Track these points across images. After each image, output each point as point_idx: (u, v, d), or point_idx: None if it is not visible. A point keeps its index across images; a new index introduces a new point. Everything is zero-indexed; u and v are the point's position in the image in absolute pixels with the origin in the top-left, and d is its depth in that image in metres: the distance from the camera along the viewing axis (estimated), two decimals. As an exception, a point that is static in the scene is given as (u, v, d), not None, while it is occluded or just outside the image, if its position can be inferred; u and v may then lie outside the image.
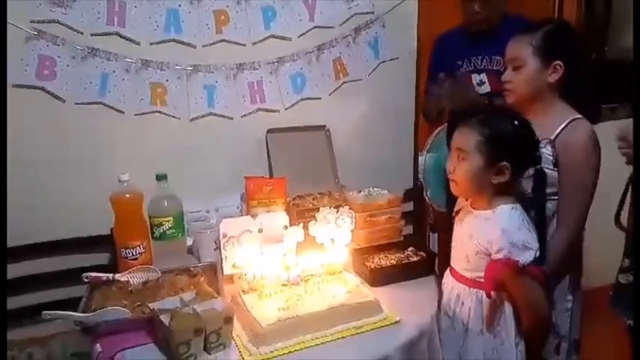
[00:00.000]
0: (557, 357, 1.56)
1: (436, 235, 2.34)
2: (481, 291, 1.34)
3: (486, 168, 1.28)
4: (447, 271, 1.47)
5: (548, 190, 1.48)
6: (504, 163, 1.28)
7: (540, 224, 1.37)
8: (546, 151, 1.46)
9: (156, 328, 1.27)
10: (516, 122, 1.30)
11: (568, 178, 1.45)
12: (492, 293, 1.30)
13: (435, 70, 2.07)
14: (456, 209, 1.48)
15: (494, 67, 1.90)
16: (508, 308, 1.33)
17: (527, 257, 1.24)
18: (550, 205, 1.50)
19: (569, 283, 1.55)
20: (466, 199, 1.43)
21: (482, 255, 1.31)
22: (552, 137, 1.46)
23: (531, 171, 1.37)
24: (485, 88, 1.94)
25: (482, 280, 1.33)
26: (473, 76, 1.95)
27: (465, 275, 1.38)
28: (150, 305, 1.31)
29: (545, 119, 1.49)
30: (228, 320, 1.25)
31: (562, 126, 1.46)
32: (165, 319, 1.22)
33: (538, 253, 1.26)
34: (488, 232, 1.30)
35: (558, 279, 1.51)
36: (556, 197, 1.49)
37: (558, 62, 1.45)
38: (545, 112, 1.50)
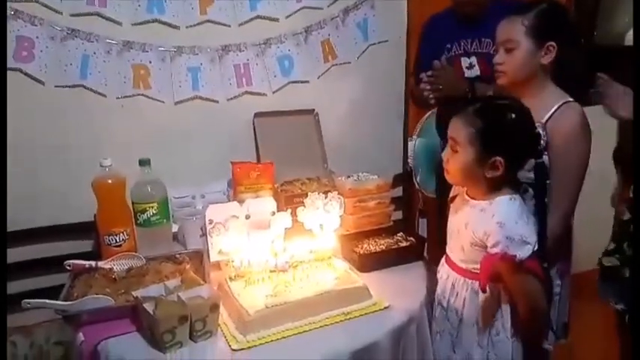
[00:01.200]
0: (546, 340, 1.56)
1: (425, 220, 2.34)
2: (476, 282, 1.30)
3: (479, 162, 1.24)
4: (443, 259, 1.45)
5: None
6: (498, 158, 1.22)
7: (540, 217, 1.34)
8: None
9: (140, 316, 1.25)
10: (514, 115, 1.25)
11: (559, 162, 1.43)
12: (487, 287, 1.26)
13: (424, 53, 2.03)
14: (451, 195, 1.45)
15: (484, 50, 1.86)
16: (504, 300, 1.31)
17: (524, 252, 1.20)
18: None
19: (557, 268, 1.54)
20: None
21: (477, 247, 1.28)
22: (543, 121, 1.44)
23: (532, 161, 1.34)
24: (475, 72, 1.91)
25: (477, 271, 1.29)
26: (462, 59, 1.92)
27: (460, 266, 1.35)
28: (134, 293, 1.28)
29: (536, 102, 1.47)
30: (215, 308, 1.23)
31: (553, 109, 1.44)
32: (149, 307, 1.20)
33: (536, 247, 1.22)
34: (484, 223, 1.26)
35: (550, 264, 1.50)
36: (547, 181, 1.48)
37: (551, 43, 1.43)
38: (537, 94, 1.48)
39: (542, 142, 1.42)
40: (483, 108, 1.27)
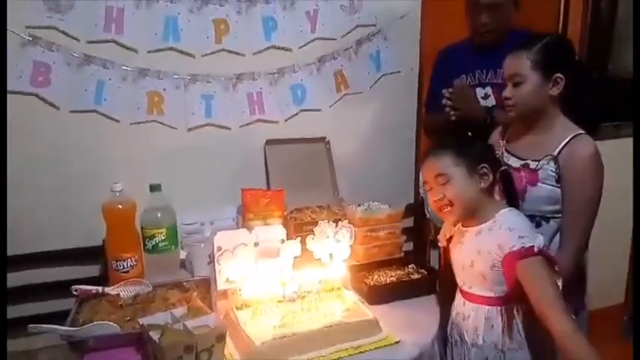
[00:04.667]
0: None
1: (437, 251, 2.29)
2: (509, 306, 1.32)
3: (470, 177, 1.32)
4: (460, 300, 1.43)
5: (552, 208, 1.46)
6: (482, 165, 1.33)
7: None
8: (549, 167, 1.44)
9: (145, 344, 1.23)
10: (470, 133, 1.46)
11: (572, 194, 1.42)
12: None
13: (437, 84, 2.04)
14: (446, 237, 1.46)
15: (499, 81, 1.86)
16: (519, 319, 1.31)
17: (539, 241, 1.25)
18: (553, 223, 1.47)
19: (570, 304, 1.50)
20: (455, 224, 1.42)
21: (498, 266, 1.28)
22: (555, 153, 1.43)
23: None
24: (490, 102, 1.90)
25: (501, 294, 1.31)
26: (477, 89, 1.91)
27: (488, 295, 1.34)
28: (139, 320, 1.26)
29: (547, 135, 1.47)
30: (221, 338, 1.20)
31: (565, 141, 1.43)
32: (154, 335, 1.18)
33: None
34: (495, 238, 1.29)
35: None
36: (559, 215, 1.46)
37: (559, 75, 1.43)
38: (548, 127, 1.48)
39: (553, 174, 1.42)
40: (444, 144, 1.38)
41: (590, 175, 1.41)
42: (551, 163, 1.43)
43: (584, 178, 1.41)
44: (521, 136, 1.55)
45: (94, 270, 1.81)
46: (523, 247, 1.23)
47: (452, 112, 1.80)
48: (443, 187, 1.32)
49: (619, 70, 2.77)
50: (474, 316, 1.36)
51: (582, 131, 1.45)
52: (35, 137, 1.74)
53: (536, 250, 1.23)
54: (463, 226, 1.39)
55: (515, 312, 1.32)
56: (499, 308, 1.32)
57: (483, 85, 1.92)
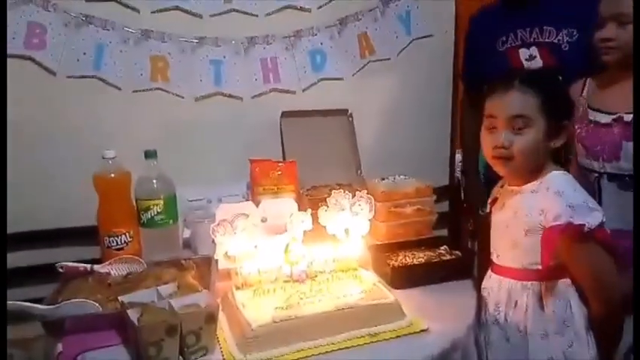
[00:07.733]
0: None
1: (476, 242, 2.05)
2: (537, 283, 1.12)
3: (548, 132, 1.12)
4: (489, 272, 1.25)
5: None
6: (566, 122, 1.14)
7: None
8: None
9: (127, 325, 1.05)
10: (560, 77, 1.22)
11: None
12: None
13: (473, 50, 1.82)
14: (490, 199, 1.28)
15: (547, 39, 1.62)
16: (575, 302, 1.11)
17: (593, 219, 1.04)
18: None
19: None
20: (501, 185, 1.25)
21: (534, 232, 1.10)
22: None
23: None
24: (537, 63, 1.65)
25: (537, 267, 1.11)
26: (521, 50, 1.67)
27: (515, 267, 1.16)
28: (120, 298, 1.10)
29: None
30: (211, 319, 1.03)
31: None
32: (133, 314, 1.01)
33: (604, 218, 1.06)
34: (539, 201, 1.11)
35: None
36: None
37: None
38: None
39: None
40: (534, 77, 1.18)
41: None
42: None
43: None
44: (610, 87, 1.36)
45: (94, 252, 1.66)
46: (571, 223, 1.04)
47: None
48: (515, 134, 1.11)
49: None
50: (496, 290, 1.20)
51: None
52: (30, 104, 1.63)
53: (586, 229, 1.03)
54: (510, 185, 1.21)
55: (545, 290, 1.12)
56: (525, 284, 1.14)
57: (528, 45, 1.68)
